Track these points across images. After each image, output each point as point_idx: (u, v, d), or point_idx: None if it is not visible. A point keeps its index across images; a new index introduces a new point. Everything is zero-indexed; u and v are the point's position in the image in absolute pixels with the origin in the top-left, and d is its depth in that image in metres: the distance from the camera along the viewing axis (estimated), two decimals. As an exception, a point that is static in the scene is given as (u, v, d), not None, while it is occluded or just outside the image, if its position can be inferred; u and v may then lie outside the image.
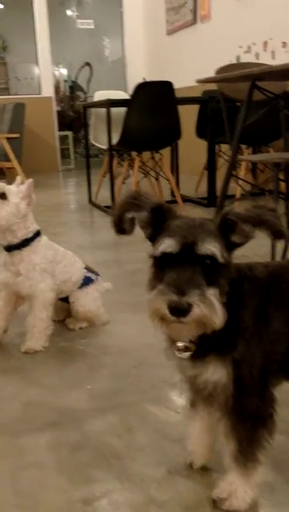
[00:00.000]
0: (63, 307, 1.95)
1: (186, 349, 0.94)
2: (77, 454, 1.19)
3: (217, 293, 0.85)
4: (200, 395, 1.02)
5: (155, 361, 1.62)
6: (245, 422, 0.95)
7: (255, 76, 2.18)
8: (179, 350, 0.94)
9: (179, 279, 0.82)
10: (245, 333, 0.94)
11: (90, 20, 8.47)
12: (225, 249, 0.88)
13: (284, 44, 4.28)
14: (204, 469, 1.11)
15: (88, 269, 1.93)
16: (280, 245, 2.37)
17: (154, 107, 3.78)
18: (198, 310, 0.81)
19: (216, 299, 0.84)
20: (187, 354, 0.94)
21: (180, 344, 0.94)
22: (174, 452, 1.17)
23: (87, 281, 1.90)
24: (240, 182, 3.65)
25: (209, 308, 0.82)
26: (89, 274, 1.91)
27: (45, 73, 7.35)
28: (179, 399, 1.40)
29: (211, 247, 0.85)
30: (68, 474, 1.12)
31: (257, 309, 0.95)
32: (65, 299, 1.91)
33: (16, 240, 1.71)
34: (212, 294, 0.83)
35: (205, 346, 0.93)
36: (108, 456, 1.17)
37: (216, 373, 0.93)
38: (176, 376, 1.51)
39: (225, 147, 4.90)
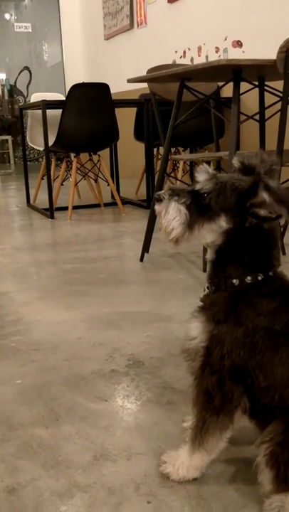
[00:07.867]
0: None
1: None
2: (2, 446, 1.17)
3: None
4: None
5: (86, 355, 1.63)
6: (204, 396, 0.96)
7: (183, 75, 2.23)
8: None
9: None
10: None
11: (28, 24, 8.40)
12: None
13: (217, 49, 4.41)
14: (130, 453, 1.13)
15: None
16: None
17: (90, 108, 3.79)
18: None
19: None
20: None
21: None
22: (101, 439, 1.18)
23: None
24: (178, 183, 3.71)
25: None
26: None
27: (-18, 76, 7.21)
28: (108, 388, 1.41)
29: None
30: (-7, 466, 1.11)
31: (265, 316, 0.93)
32: None
33: None
34: None
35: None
36: (34, 446, 1.17)
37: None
38: (106, 367, 1.53)
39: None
